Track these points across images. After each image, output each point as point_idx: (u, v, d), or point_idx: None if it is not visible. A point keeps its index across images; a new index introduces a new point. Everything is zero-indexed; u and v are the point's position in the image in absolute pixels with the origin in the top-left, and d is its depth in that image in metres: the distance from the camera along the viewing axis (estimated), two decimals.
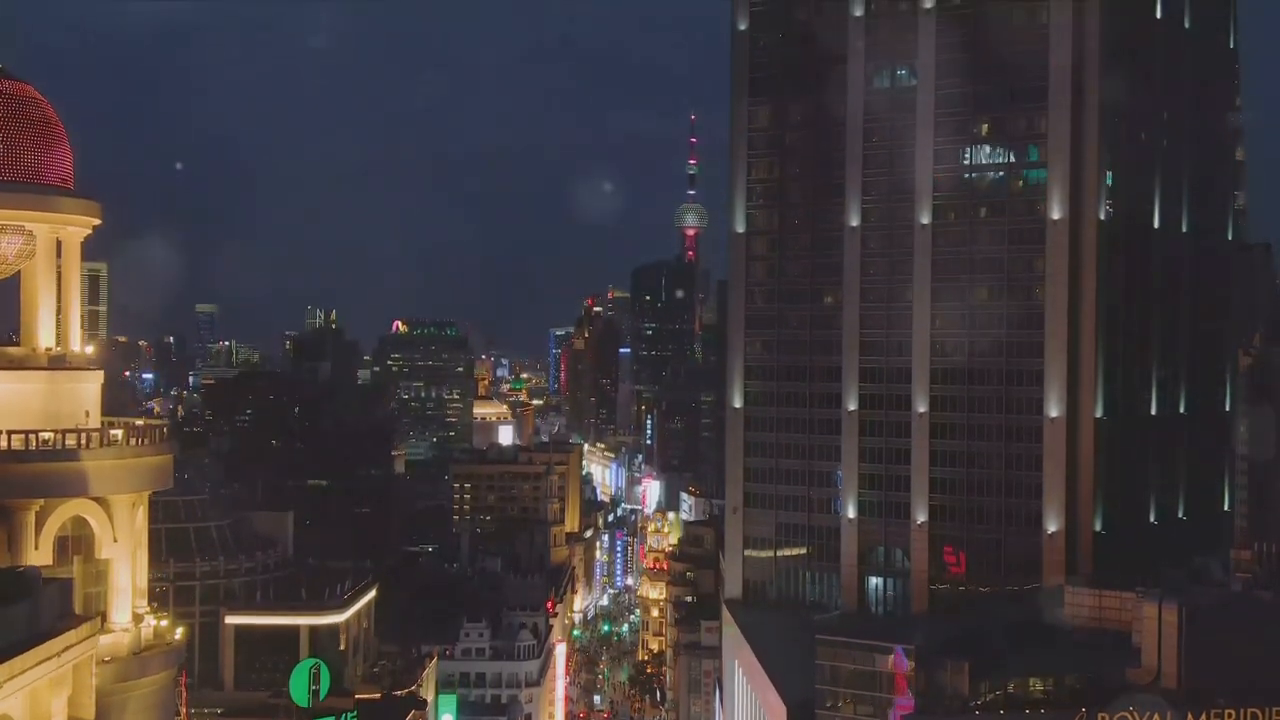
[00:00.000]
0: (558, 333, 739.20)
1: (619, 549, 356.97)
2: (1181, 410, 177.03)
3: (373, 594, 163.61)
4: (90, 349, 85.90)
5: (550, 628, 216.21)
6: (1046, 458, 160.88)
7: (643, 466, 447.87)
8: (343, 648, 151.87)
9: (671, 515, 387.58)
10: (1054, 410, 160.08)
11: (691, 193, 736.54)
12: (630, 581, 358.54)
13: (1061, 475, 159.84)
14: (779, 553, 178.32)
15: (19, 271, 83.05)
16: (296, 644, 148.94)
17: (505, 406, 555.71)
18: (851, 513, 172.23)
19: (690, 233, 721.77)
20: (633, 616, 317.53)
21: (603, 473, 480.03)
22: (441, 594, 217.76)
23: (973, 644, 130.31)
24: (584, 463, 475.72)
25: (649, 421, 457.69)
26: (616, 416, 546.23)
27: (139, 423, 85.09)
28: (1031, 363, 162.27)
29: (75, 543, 79.69)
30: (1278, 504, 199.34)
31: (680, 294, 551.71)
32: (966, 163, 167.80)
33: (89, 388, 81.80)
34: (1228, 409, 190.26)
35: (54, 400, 79.35)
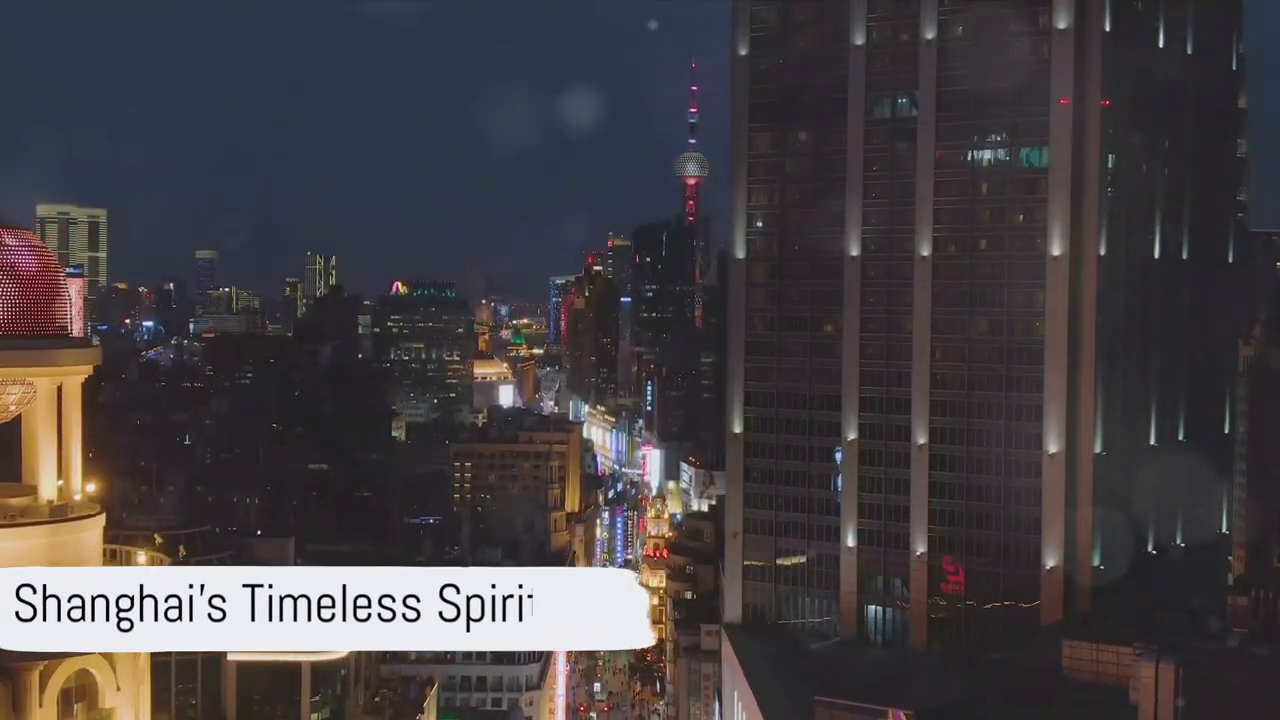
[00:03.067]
0: (558, 281, 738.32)
1: (619, 525, 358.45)
2: (1181, 437, 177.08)
3: None
4: (92, 486, 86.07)
5: None
6: (1045, 493, 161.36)
7: (643, 432, 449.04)
8: (343, 672, 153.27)
9: (671, 484, 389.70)
10: (1053, 446, 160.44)
11: (692, 141, 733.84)
12: (630, 555, 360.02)
13: (1060, 510, 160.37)
14: (778, 578, 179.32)
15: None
16: (299, 678, 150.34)
17: (505, 365, 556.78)
18: (851, 541, 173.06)
19: (691, 182, 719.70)
20: None
21: (603, 436, 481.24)
22: None
23: (970, 703, 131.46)
24: (585, 426, 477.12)
25: (649, 386, 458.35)
26: (617, 376, 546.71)
27: (141, 561, 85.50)
28: (1031, 397, 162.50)
29: (79, 691, 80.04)
30: (1274, 523, 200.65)
31: (680, 256, 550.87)
32: (967, 195, 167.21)
33: (90, 535, 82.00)
34: (1226, 432, 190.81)
35: (56, 553, 79.39)
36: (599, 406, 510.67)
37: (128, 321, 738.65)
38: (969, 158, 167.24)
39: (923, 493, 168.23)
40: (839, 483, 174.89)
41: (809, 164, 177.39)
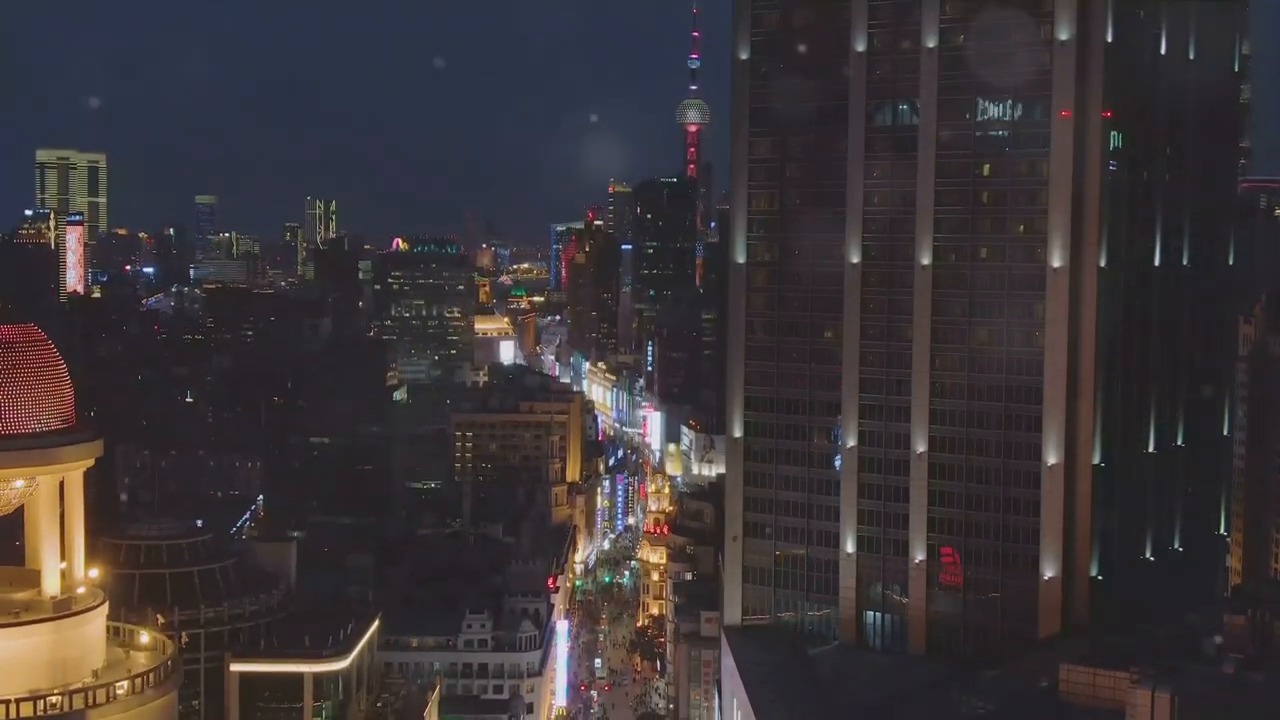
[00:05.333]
0: (559, 228, 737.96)
1: (620, 493, 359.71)
2: (1179, 443, 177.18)
3: (374, 628, 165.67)
4: (95, 572, 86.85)
5: (552, 607, 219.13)
6: (1044, 504, 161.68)
7: (644, 392, 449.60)
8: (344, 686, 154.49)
9: (671, 446, 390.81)
10: (1052, 457, 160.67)
11: (694, 87, 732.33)
12: (631, 521, 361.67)
13: (1059, 521, 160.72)
14: (778, 582, 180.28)
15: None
16: (300, 690, 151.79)
17: (506, 320, 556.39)
18: (850, 547, 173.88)
19: (692, 129, 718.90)
20: (633, 563, 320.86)
21: (604, 395, 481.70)
22: (443, 575, 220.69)
23: None
24: (585, 384, 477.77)
25: (650, 346, 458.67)
26: (618, 332, 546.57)
27: (144, 641, 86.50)
28: (1030, 408, 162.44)
29: None
30: (1270, 523, 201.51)
31: (681, 212, 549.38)
32: (967, 204, 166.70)
33: (94, 628, 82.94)
34: (1225, 434, 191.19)
35: (60, 648, 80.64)
36: (600, 364, 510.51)
37: (128, 268, 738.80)
38: (969, 167, 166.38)
39: (922, 501, 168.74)
40: (839, 488, 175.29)
41: (810, 169, 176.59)
